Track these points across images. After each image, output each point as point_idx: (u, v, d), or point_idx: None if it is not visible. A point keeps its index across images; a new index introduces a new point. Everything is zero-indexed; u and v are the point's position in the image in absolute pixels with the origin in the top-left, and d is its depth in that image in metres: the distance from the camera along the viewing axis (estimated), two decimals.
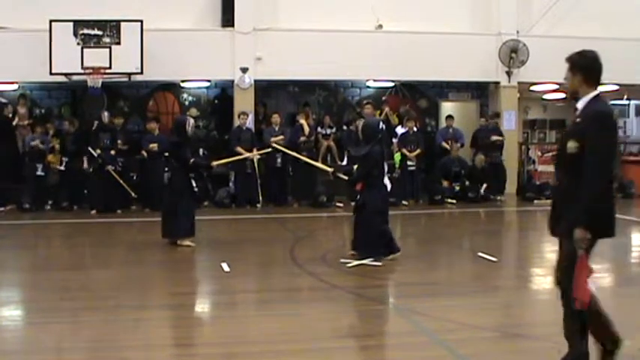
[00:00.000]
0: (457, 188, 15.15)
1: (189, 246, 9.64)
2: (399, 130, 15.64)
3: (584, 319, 4.62)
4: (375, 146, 8.63)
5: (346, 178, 9.23)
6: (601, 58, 4.70)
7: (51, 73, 13.95)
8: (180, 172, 9.78)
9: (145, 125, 14.79)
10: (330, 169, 9.92)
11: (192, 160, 9.78)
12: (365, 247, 8.55)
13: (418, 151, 15.12)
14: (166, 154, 11.11)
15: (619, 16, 16.41)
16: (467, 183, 15.20)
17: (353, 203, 9.03)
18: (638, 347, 5.15)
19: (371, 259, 8.37)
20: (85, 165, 13.82)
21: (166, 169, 14.53)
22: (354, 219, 8.76)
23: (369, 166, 8.62)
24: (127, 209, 13.70)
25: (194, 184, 9.91)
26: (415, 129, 15.54)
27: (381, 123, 9.09)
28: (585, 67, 4.68)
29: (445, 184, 15.14)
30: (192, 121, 10.16)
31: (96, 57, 13.97)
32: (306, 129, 14.81)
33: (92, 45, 14.07)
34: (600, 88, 4.60)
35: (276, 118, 14.94)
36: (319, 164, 11.86)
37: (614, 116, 4.63)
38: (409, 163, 15.07)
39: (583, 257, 4.52)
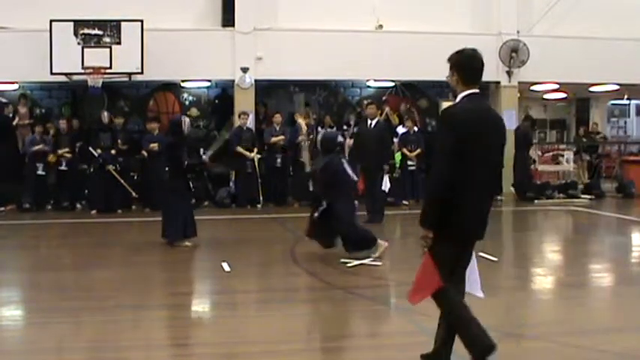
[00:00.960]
0: None
1: (187, 246, 9.64)
2: (400, 129, 15.64)
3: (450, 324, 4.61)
4: (333, 158, 8.87)
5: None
6: (481, 56, 4.63)
7: (51, 73, 13.96)
8: (177, 172, 9.72)
9: (146, 125, 14.80)
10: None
11: (185, 163, 9.70)
12: (354, 245, 8.70)
13: (418, 150, 15.12)
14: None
15: (619, 16, 16.42)
16: None
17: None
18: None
19: (370, 259, 8.40)
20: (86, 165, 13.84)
21: (167, 168, 14.60)
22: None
23: (327, 176, 8.77)
24: (127, 209, 13.70)
25: (191, 185, 9.91)
26: (416, 129, 15.55)
27: (339, 136, 9.26)
28: (460, 65, 4.59)
29: None
30: (187, 120, 10.04)
31: (96, 57, 13.97)
32: (304, 128, 14.81)
33: (92, 45, 14.08)
34: (475, 89, 4.54)
35: (277, 118, 14.95)
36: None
37: (458, 116, 4.45)
38: (409, 162, 15.08)
39: (427, 256, 4.46)
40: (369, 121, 12.34)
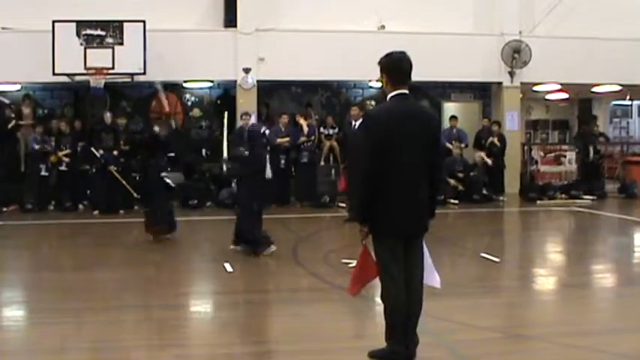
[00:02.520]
0: (460, 188, 15.15)
1: (168, 239, 10.16)
2: None
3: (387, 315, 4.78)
4: (256, 148, 9.55)
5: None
6: (409, 58, 4.92)
7: (54, 74, 13.97)
8: (154, 170, 10.57)
9: (147, 125, 14.82)
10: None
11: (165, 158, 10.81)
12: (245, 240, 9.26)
13: None
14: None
15: (622, 17, 16.39)
16: (465, 184, 15.23)
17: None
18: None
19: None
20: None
21: (169, 169, 14.60)
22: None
23: (249, 165, 9.40)
24: (129, 210, 13.70)
25: (169, 182, 10.62)
26: None
27: (263, 128, 10.28)
28: (388, 68, 4.81)
29: (452, 182, 15.08)
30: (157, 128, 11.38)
31: (99, 57, 13.98)
32: (305, 129, 14.81)
33: (95, 45, 14.08)
34: (403, 89, 4.74)
35: (284, 119, 14.91)
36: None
37: (376, 117, 4.74)
38: None
39: (363, 249, 4.75)
40: (353, 123, 12.99)
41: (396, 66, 4.80)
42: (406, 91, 4.74)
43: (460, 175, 15.23)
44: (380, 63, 4.85)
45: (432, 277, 4.95)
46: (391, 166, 4.56)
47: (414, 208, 4.69)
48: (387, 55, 4.87)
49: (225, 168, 11.85)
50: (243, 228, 9.14)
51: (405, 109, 4.72)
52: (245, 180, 9.39)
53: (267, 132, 10.24)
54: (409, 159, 4.61)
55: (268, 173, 9.48)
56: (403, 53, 4.89)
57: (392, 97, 4.74)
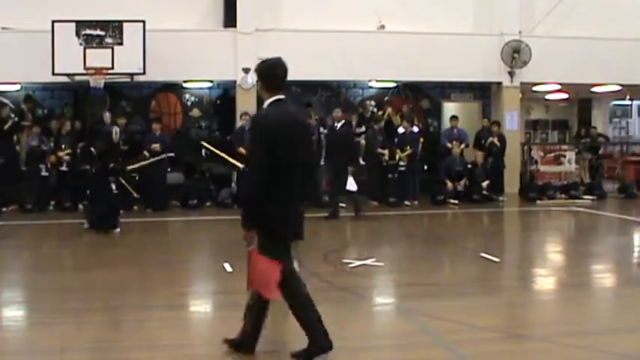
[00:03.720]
0: (460, 188, 15.16)
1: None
2: (401, 130, 15.61)
3: (295, 311, 4.96)
4: None
5: None
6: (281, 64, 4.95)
7: (53, 74, 13.95)
8: (100, 174, 11.30)
9: (148, 125, 14.82)
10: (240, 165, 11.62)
11: (111, 166, 11.27)
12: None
13: (409, 151, 14.96)
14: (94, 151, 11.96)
15: (622, 17, 16.41)
16: (467, 183, 15.23)
17: None
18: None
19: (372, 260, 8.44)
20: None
21: (169, 169, 14.61)
22: None
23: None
24: (128, 210, 13.69)
25: (113, 187, 11.37)
26: (415, 129, 15.52)
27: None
28: (262, 74, 4.92)
29: (449, 184, 15.09)
30: (118, 129, 11.86)
31: (98, 57, 13.97)
32: None
33: (95, 45, 14.08)
34: (280, 95, 4.86)
35: None
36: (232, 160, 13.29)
37: (265, 120, 4.84)
38: (400, 163, 14.93)
39: (253, 253, 4.98)
40: (335, 124, 13.30)
41: (270, 72, 4.90)
42: (282, 97, 4.87)
43: (460, 175, 15.25)
44: (255, 70, 4.99)
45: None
46: (279, 169, 4.71)
47: (298, 211, 5.00)
48: (262, 62, 4.98)
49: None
50: None
51: (287, 115, 4.90)
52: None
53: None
54: (292, 163, 4.78)
55: None
56: (278, 59, 4.96)
57: (270, 103, 4.88)
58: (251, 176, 4.82)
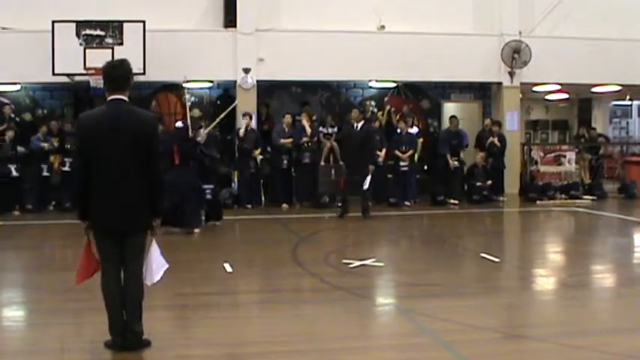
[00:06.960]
0: (456, 164, 15.23)
1: None
2: (399, 131, 15.59)
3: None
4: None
5: None
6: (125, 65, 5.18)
7: (53, 74, 13.97)
8: None
9: None
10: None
11: None
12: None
13: (410, 152, 14.98)
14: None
15: (622, 17, 16.41)
16: (466, 186, 15.28)
17: None
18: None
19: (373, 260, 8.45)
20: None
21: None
22: None
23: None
24: None
25: None
26: (415, 130, 15.50)
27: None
28: (104, 75, 5.20)
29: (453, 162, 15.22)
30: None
31: (98, 57, 13.85)
32: (308, 130, 14.79)
33: (95, 45, 14.08)
34: (118, 95, 5.07)
35: (288, 119, 14.85)
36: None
37: (82, 120, 5.21)
38: (401, 163, 14.95)
39: (86, 243, 5.29)
40: (354, 124, 13.21)
41: (107, 74, 5.14)
42: (121, 97, 5.07)
43: (455, 149, 15.44)
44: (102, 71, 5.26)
45: (150, 277, 5.34)
46: (97, 165, 4.98)
47: (118, 205, 5.04)
48: (107, 63, 5.25)
49: None
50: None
51: (112, 115, 5.04)
52: None
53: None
54: (114, 160, 4.98)
55: None
56: (119, 61, 5.22)
57: (107, 101, 5.11)
58: (74, 172, 5.35)
